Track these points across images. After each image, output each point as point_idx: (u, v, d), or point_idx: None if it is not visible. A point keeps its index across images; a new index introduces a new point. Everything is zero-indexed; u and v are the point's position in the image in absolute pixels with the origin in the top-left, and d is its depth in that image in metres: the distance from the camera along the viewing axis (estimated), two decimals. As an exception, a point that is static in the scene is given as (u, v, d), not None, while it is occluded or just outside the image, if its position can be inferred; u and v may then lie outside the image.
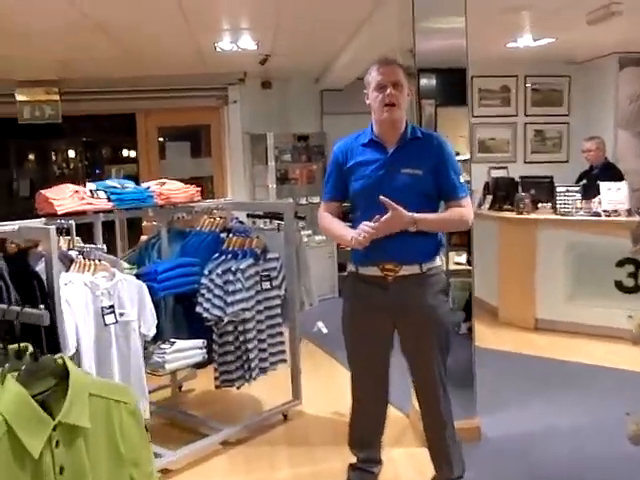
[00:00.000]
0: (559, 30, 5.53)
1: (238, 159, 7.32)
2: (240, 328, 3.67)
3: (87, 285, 2.97)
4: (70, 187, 3.34)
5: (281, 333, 3.92)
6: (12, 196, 11.59)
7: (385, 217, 2.59)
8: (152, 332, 3.20)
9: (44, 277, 2.85)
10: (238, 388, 3.82)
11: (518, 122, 7.89)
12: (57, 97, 6.60)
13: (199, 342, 3.56)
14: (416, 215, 2.63)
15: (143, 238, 4.20)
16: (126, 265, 3.68)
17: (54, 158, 14.56)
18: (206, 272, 3.63)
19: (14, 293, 2.72)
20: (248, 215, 4.20)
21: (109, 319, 3.01)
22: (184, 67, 6.38)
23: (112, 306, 3.03)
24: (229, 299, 3.57)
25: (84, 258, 3.06)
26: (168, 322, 3.82)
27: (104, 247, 3.14)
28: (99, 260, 3.04)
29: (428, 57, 3.84)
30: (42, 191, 3.31)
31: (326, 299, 6.35)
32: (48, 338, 2.76)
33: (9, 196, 11.54)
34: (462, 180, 2.81)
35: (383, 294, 2.71)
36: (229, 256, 3.70)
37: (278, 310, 3.88)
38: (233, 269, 3.60)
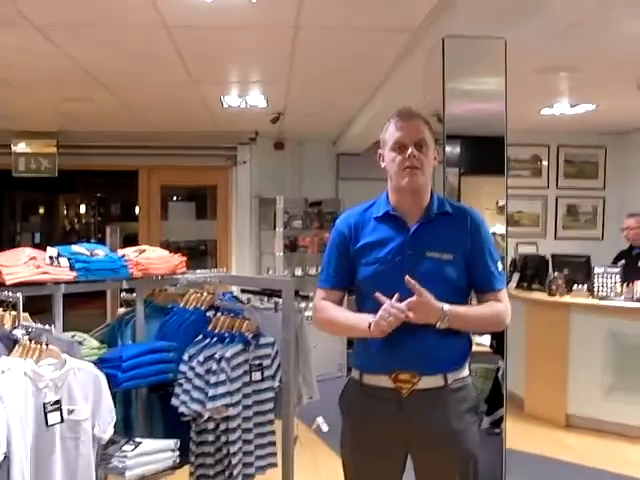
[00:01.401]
0: (601, 96, 5.04)
1: (245, 223, 6.83)
2: (222, 427, 3.06)
3: (28, 375, 2.41)
4: (27, 252, 2.82)
5: (272, 432, 3.29)
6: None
7: (409, 301, 2.01)
8: (108, 434, 2.60)
9: (-25, 363, 2.32)
10: (218, 498, 3.18)
11: (549, 195, 7.36)
12: (55, 150, 6.21)
13: (170, 443, 2.95)
14: (447, 307, 2.06)
15: (120, 311, 3.66)
16: (95, 344, 3.14)
17: (65, 213, 14.26)
18: (186, 358, 3.06)
19: None
20: (242, 291, 3.65)
21: (53, 418, 2.43)
22: (191, 124, 5.98)
23: (58, 402, 2.45)
24: (210, 392, 2.98)
25: (30, 340, 2.51)
26: (139, 415, 3.24)
27: (52, 327, 2.58)
28: (46, 344, 2.48)
29: (458, 122, 3.39)
30: (-6, 255, 2.79)
31: (333, 378, 5.74)
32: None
33: (11, 251, 11.15)
34: (500, 268, 2.25)
35: (394, 412, 2.11)
36: (214, 340, 3.13)
37: (270, 405, 3.27)
38: (217, 357, 3.02)
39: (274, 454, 3.30)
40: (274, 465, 3.31)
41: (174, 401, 3.05)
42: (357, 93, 4.87)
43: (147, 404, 3.26)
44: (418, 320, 2.03)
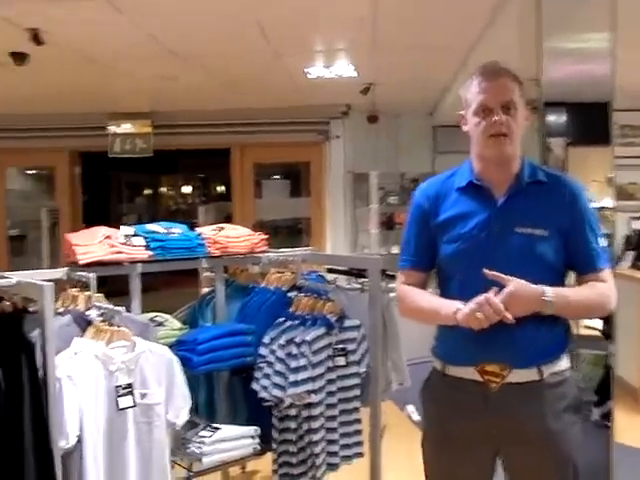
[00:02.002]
0: None
1: (339, 200, 6.64)
2: (304, 414, 2.90)
3: (99, 357, 2.34)
4: (102, 231, 2.76)
5: (358, 420, 3.11)
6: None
7: (504, 294, 1.77)
8: (181, 420, 2.50)
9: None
10: (303, 488, 3.04)
11: (667, 164, 6.71)
12: (149, 130, 6.24)
13: (250, 430, 2.83)
14: (549, 290, 1.80)
15: (204, 291, 3.57)
16: (177, 325, 3.06)
17: (169, 193, 14.60)
18: (266, 341, 2.92)
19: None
20: (329, 270, 3.47)
21: (124, 402, 2.35)
22: (280, 99, 5.84)
23: (130, 385, 2.37)
24: (291, 377, 2.83)
25: (103, 321, 2.44)
26: (222, 400, 3.15)
27: (122, 308, 2.50)
28: (117, 325, 2.40)
29: (558, 87, 3.05)
30: (68, 235, 2.75)
31: (426, 362, 5.48)
32: (35, 425, 2.15)
33: (117, 232, 11.53)
34: (603, 244, 1.94)
35: (480, 407, 1.87)
36: (296, 322, 2.97)
37: (356, 392, 3.09)
38: (298, 340, 2.85)
39: (360, 443, 3.12)
40: (360, 455, 3.13)
41: (254, 385, 2.92)
42: (449, 58, 4.52)
43: (229, 387, 3.16)
44: (517, 315, 1.78)
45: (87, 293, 2.53)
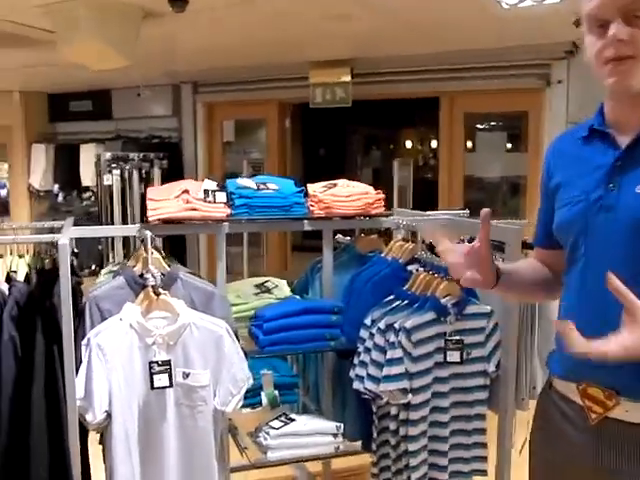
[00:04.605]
0: None
1: (559, 156, 5.65)
2: (402, 416, 2.38)
3: (133, 327, 2.07)
4: (182, 185, 2.47)
5: (481, 430, 2.50)
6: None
7: (622, 336, 1.13)
8: (230, 408, 2.15)
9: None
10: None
11: None
12: (348, 78, 5.86)
13: (332, 426, 2.40)
14: None
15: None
16: (285, 293, 2.72)
17: (410, 148, 14.19)
18: (368, 322, 2.43)
19: (8, 330, 1.95)
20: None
21: (160, 380, 2.06)
22: (483, 39, 5.04)
23: (167, 362, 2.07)
24: (385, 370, 2.33)
25: (153, 287, 2.15)
26: (327, 385, 2.74)
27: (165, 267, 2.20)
28: (156, 294, 2.10)
29: None
30: (149, 189, 2.51)
31: None
32: (48, 396, 1.96)
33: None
34: None
35: (580, 446, 1.35)
36: (404, 303, 2.44)
37: (480, 394, 2.47)
38: (396, 326, 2.33)
39: (483, 458, 2.52)
40: (482, 472, 2.53)
41: (350, 373, 2.47)
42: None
43: (336, 372, 2.72)
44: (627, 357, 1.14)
45: (147, 254, 2.27)
